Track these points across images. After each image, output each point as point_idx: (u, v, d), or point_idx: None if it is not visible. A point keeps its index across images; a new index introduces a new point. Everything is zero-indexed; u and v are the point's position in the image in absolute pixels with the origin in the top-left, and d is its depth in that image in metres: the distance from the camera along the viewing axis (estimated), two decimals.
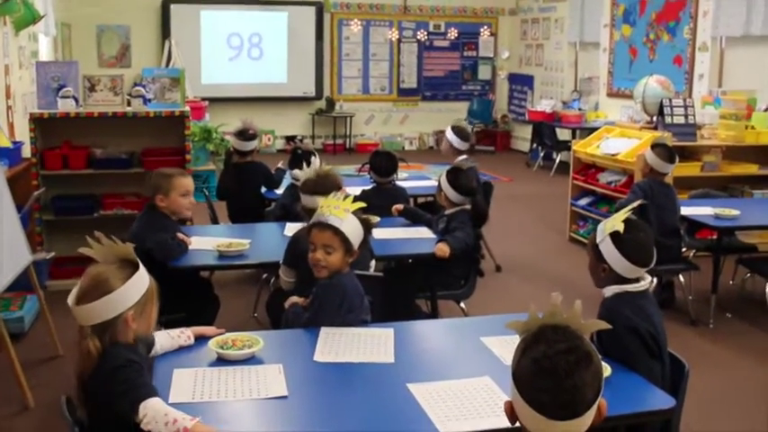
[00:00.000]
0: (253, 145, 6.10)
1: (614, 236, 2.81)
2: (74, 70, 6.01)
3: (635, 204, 3.06)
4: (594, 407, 1.64)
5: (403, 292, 4.50)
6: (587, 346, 1.66)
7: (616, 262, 2.82)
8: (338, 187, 3.96)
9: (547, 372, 1.62)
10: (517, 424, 1.71)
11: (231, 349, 2.74)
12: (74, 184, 5.94)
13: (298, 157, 5.40)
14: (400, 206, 5.05)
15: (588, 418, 1.64)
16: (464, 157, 6.12)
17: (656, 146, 5.46)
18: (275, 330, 3.39)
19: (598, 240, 2.87)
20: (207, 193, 6.51)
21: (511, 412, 1.70)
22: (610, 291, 2.86)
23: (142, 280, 2.42)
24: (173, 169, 4.35)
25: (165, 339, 2.78)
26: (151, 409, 2.21)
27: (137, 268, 2.42)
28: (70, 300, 2.36)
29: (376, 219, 4.87)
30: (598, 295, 2.90)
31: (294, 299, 3.30)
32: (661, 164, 5.37)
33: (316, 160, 5.16)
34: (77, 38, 12.05)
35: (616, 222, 2.83)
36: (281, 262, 3.78)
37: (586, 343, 1.67)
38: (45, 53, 9.49)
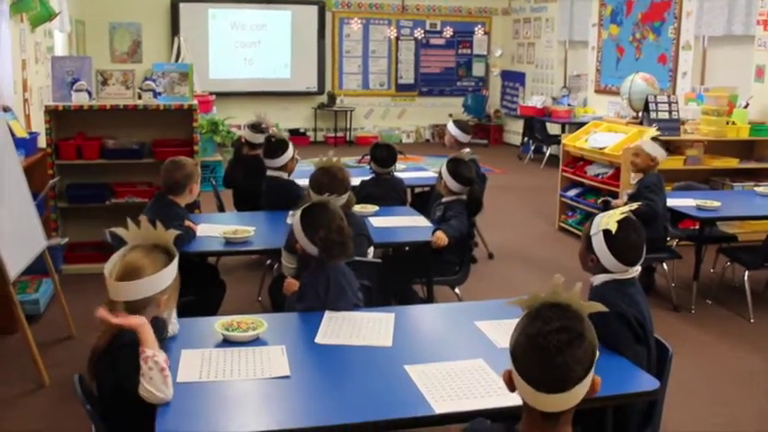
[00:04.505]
0: (263, 138, 6.06)
1: (606, 233, 2.76)
2: (87, 65, 5.98)
3: (634, 206, 2.98)
4: (586, 381, 1.63)
5: (400, 277, 4.49)
6: (582, 326, 1.65)
7: (604, 257, 2.78)
8: (345, 190, 3.90)
9: (539, 348, 1.62)
10: (516, 393, 1.70)
11: (236, 331, 2.73)
12: (87, 173, 5.92)
13: (272, 146, 5.24)
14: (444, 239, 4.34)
15: (578, 393, 1.63)
16: (468, 150, 6.09)
17: (654, 139, 5.43)
18: (278, 313, 3.38)
19: (592, 233, 2.82)
20: (214, 183, 6.49)
21: (509, 381, 1.71)
22: (599, 279, 2.83)
23: (174, 268, 2.48)
24: (185, 159, 4.26)
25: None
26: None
27: (171, 256, 2.48)
28: (106, 272, 2.40)
29: (374, 208, 4.89)
30: (585, 281, 2.87)
31: (292, 283, 3.28)
32: (663, 154, 5.36)
33: (290, 149, 5.10)
34: (91, 34, 12.00)
35: (611, 220, 2.77)
36: (282, 248, 3.76)
37: (583, 323, 1.66)
38: (60, 48, 9.46)
